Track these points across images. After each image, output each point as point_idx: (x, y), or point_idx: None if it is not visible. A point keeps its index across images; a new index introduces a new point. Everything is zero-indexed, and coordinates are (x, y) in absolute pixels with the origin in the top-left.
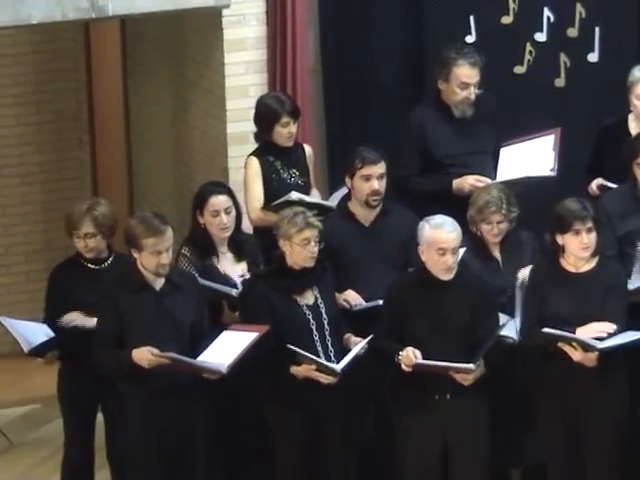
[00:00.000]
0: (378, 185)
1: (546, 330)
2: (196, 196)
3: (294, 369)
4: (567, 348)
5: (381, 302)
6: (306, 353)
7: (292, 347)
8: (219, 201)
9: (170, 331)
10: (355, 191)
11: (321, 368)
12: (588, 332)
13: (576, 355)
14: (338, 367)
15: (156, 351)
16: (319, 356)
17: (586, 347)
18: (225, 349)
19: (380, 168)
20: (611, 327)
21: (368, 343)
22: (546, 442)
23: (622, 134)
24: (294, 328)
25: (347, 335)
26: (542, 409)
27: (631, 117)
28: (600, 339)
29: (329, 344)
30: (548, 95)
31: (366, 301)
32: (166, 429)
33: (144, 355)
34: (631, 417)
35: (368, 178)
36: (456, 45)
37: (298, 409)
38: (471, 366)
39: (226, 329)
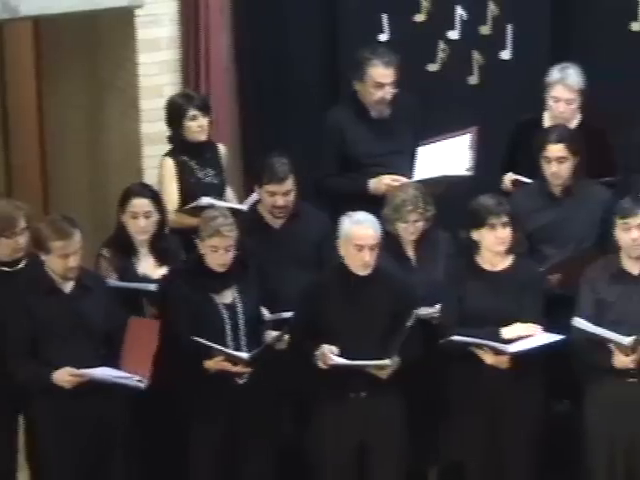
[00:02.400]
0: (283, 202)
1: (455, 338)
2: (121, 195)
3: (206, 363)
4: (479, 352)
5: (285, 315)
6: (211, 343)
7: (198, 339)
8: (139, 203)
9: (82, 334)
10: (262, 201)
11: (229, 358)
12: (513, 332)
13: (488, 358)
14: (245, 355)
15: (75, 371)
16: None
17: (497, 351)
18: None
19: (286, 186)
20: (536, 329)
21: (288, 340)
22: (464, 441)
23: (536, 130)
24: (208, 326)
25: (267, 331)
26: (460, 408)
27: (546, 114)
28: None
29: (243, 344)
30: (462, 93)
31: (278, 305)
32: (81, 430)
33: (64, 377)
34: (547, 413)
35: (273, 194)
36: (371, 45)
37: (214, 408)
38: (387, 362)
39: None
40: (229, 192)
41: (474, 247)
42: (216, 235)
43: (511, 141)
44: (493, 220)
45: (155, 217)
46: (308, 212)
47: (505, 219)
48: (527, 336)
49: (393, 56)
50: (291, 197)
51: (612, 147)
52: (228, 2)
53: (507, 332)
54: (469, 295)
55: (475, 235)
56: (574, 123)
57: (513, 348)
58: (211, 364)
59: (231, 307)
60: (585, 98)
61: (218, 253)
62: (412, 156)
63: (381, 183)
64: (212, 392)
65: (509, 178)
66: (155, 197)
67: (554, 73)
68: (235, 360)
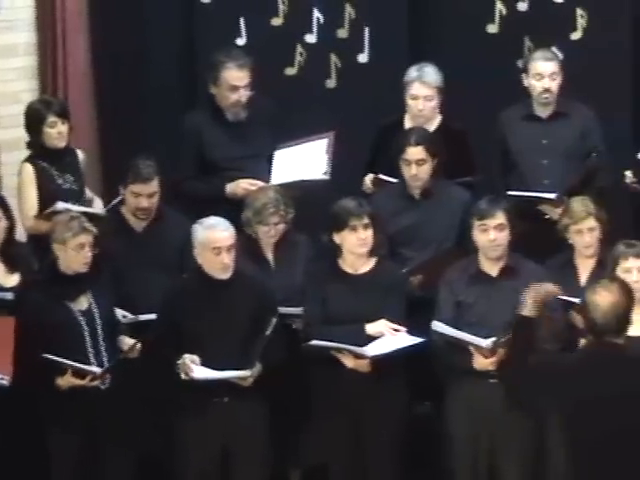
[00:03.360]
0: (147, 203)
1: (316, 342)
2: None
3: (58, 381)
4: (339, 356)
5: (142, 317)
6: (60, 359)
7: (47, 356)
8: None
9: None
10: (126, 202)
11: (80, 372)
12: (377, 328)
13: (348, 362)
14: (96, 369)
15: None
16: (89, 362)
17: (357, 355)
18: None
19: (151, 187)
20: (399, 329)
21: (145, 346)
22: (327, 443)
23: (398, 133)
24: (66, 334)
25: (121, 337)
26: (322, 410)
27: (407, 116)
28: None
29: (102, 349)
30: (320, 96)
31: (140, 308)
32: None
33: None
34: (409, 414)
35: (137, 195)
36: (225, 49)
37: (72, 415)
38: (247, 373)
39: None
40: (97, 201)
41: (336, 250)
42: (83, 232)
43: (373, 144)
44: (354, 222)
45: (3, 223)
46: (170, 215)
47: (366, 220)
48: (389, 336)
49: (247, 58)
50: (155, 199)
51: (471, 148)
52: (85, 5)
53: (371, 327)
54: (331, 298)
55: (337, 238)
56: (434, 124)
57: (373, 352)
58: (62, 382)
59: (88, 313)
60: (444, 98)
61: (84, 251)
62: (269, 159)
63: (238, 187)
64: (70, 399)
65: (370, 178)
66: (2, 203)
67: (411, 72)
68: (87, 374)
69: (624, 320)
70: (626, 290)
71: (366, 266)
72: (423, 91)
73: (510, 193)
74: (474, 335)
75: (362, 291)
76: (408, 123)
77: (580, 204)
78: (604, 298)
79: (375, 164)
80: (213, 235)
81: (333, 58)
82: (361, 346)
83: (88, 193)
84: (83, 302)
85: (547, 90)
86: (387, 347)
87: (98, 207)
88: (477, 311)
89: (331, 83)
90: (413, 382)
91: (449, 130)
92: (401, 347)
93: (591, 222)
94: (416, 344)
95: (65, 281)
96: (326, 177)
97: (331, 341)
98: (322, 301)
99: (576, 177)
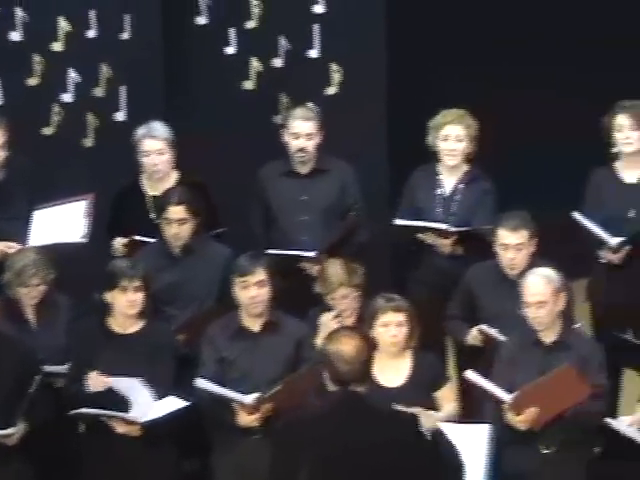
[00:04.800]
0: None
1: (81, 410)
2: None
3: None
4: (110, 421)
5: None
6: None
7: None
8: None
9: None
10: None
11: None
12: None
13: (119, 428)
14: None
15: None
16: None
17: (128, 421)
18: None
19: None
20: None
21: None
22: None
23: (137, 193)
24: None
25: None
26: (92, 472)
27: (144, 175)
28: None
29: None
30: (77, 156)
31: None
32: None
33: None
34: (178, 472)
35: None
36: None
37: None
38: (9, 431)
39: None
40: None
41: (106, 309)
42: None
43: (113, 204)
44: (125, 283)
45: None
46: None
47: (137, 283)
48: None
49: (0, 118)
50: None
51: (212, 199)
52: None
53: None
54: (99, 358)
55: (108, 297)
56: (172, 179)
57: (144, 417)
58: None
59: None
60: (179, 152)
61: None
62: (27, 221)
63: None
64: None
65: (119, 242)
66: None
67: (139, 130)
68: None
69: (365, 369)
70: (365, 338)
71: (135, 326)
72: (154, 146)
73: (270, 252)
74: (238, 391)
75: (130, 351)
76: (145, 182)
77: (334, 272)
78: (345, 347)
79: (117, 224)
80: None
81: (89, 117)
82: (120, 403)
83: None
84: None
85: (302, 149)
86: (157, 413)
87: None
88: (240, 367)
89: (88, 142)
90: (182, 439)
91: (188, 184)
92: (171, 411)
93: (344, 291)
94: (185, 407)
95: None
96: (84, 240)
97: (93, 402)
98: (89, 360)
99: (335, 234)
